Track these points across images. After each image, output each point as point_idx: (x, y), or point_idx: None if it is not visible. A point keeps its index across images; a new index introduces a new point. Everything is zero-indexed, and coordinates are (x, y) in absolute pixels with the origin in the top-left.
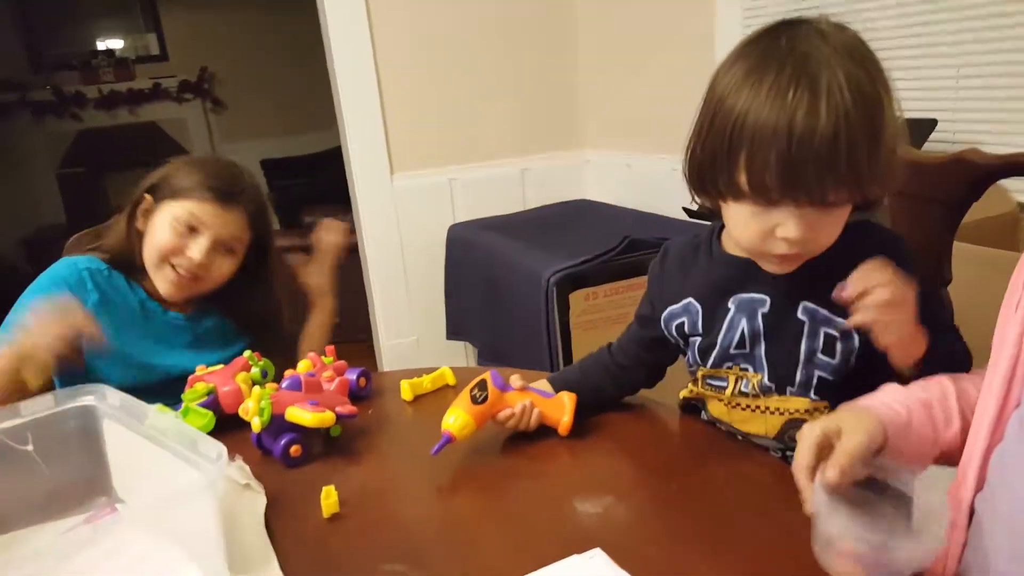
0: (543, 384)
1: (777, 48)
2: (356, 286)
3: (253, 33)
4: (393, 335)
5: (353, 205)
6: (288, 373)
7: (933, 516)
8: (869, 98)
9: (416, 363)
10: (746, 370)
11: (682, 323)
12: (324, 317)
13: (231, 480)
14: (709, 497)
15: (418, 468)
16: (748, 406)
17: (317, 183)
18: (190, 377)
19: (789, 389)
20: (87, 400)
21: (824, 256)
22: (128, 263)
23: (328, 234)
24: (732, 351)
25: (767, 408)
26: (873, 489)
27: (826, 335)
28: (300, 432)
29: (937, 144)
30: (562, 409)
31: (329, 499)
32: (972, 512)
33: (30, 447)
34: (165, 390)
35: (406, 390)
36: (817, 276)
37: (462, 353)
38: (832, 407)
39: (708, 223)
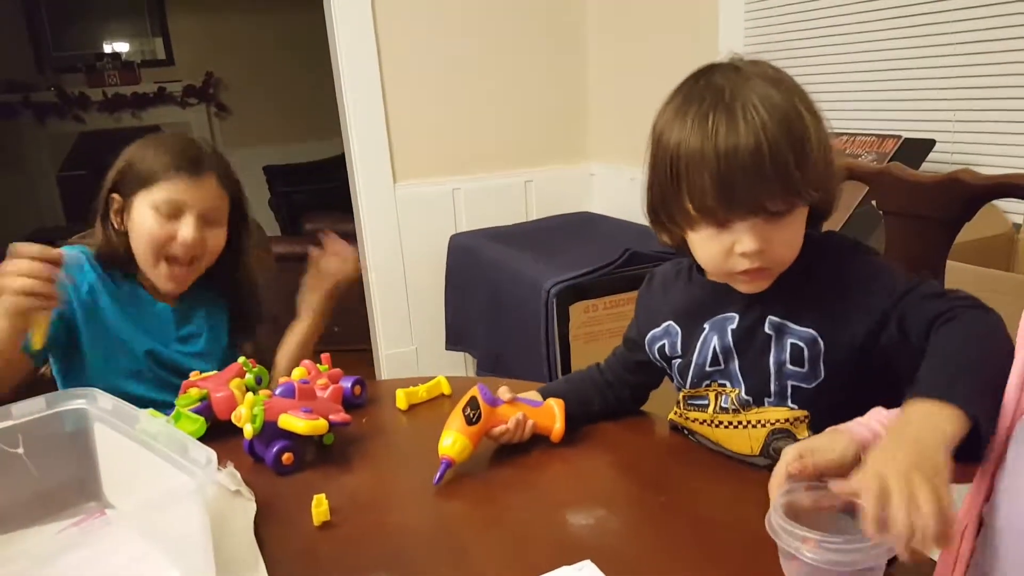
0: (531, 394)
1: (696, 86)
2: (356, 294)
3: (260, 39)
4: (393, 344)
5: (356, 213)
6: (282, 380)
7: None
8: (784, 111)
9: (415, 372)
10: (724, 386)
11: (663, 345)
12: (306, 334)
13: (221, 486)
14: (699, 510)
15: (410, 477)
16: (731, 423)
17: (320, 190)
18: (184, 383)
19: (767, 400)
20: (78, 403)
21: (787, 269)
22: (123, 264)
23: (332, 261)
24: (707, 368)
25: (748, 422)
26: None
27: (792, 345)
28: (292, 439)
29: (935, 164)
30: (553, 417)
31: (320, 507)
32: (982, 521)
33: (20, 450)
34: (156, 380)
35: (401, 399)
36: (781, 289)
37: (461, 363)
38: (813, 415)
39: None
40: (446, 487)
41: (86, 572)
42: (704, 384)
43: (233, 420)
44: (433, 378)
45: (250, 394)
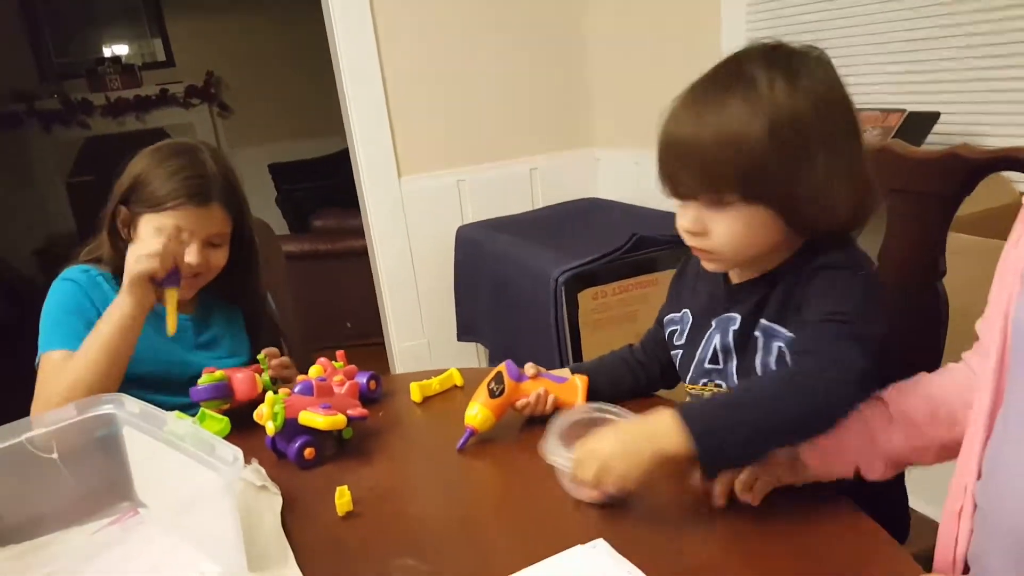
0: (561, 371)
1: (706, 74)
2: (367, 289)
3: (259, 37)
4: (405, 337)
5: (362, 208)
6: (300, 378)
7: None
8: (748, 117)
9: (428, 365)
10: (720, 386)
11: (675, 331)
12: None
13: (247, 482)
14: (708, 490)
15: (428, 467)
16: None
17: (326, 187)
18: (205, 368)
19: None
20: (107, 408)
21: (779, 274)
22: None
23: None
24: (707, 366)
25: None
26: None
27: (778, 348)
28: (313, 435)
29: (940, 137)
30: (575, 392)
31: (343, 498)
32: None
33: (55, 455)
34: (180, 388)
35: (415, 392)
36: (778, 292)
37: (474, 354)
38: None
39: None
40: (463, 475)
41: (126, 567)
42: (702, 382)
43: (255, 419)
44: (446, 370)
45: (270, 393)
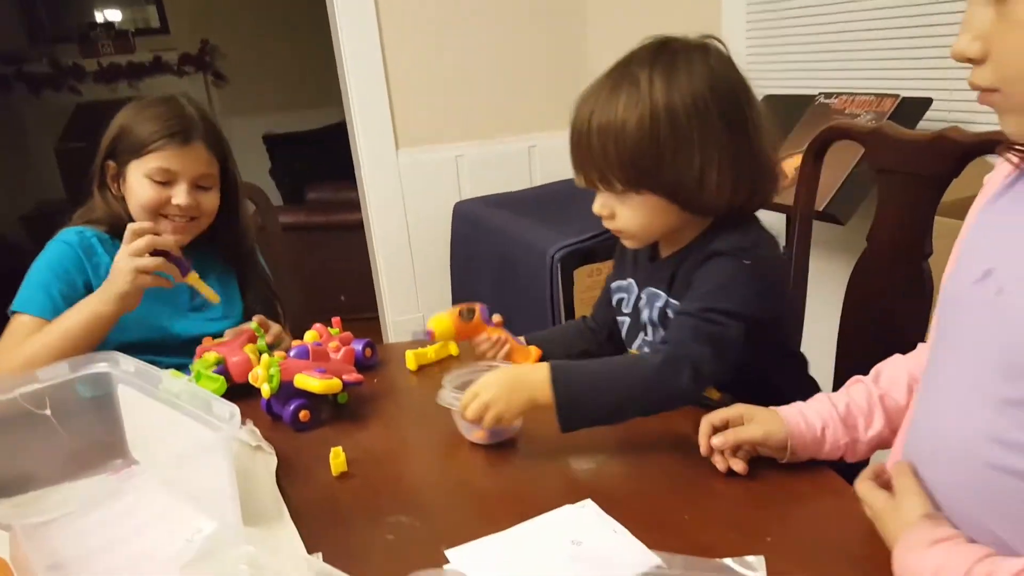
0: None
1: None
2: (362, 263)
3: (256, 6)
4: (399, 311)
5: (358, 181)
6: (295, 343)
7: None
8: (640, 111)
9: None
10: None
11: (622, 299)
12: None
13: (242, 443)
14: (691, 451)
15: (422, 431)
16: None
17: (322, 158)
18: (198, 348)
19: None
20: (101, 367)
21: (687, 252)
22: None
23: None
24: (645, 336)
25: None
26: None
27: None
28: (308, 398)
29: (933, 123)
30: (527, 356)
31: (337, 459)
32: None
33: (48, 411)
34: (175, 351)
35: (411, 360)
36: (686, 273)
37: None
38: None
39: None
40: (455, 440)
41: (122, 522)
42: (644, 351)
43: (250, 380)
44: (440, 342)
45: (266, 355)
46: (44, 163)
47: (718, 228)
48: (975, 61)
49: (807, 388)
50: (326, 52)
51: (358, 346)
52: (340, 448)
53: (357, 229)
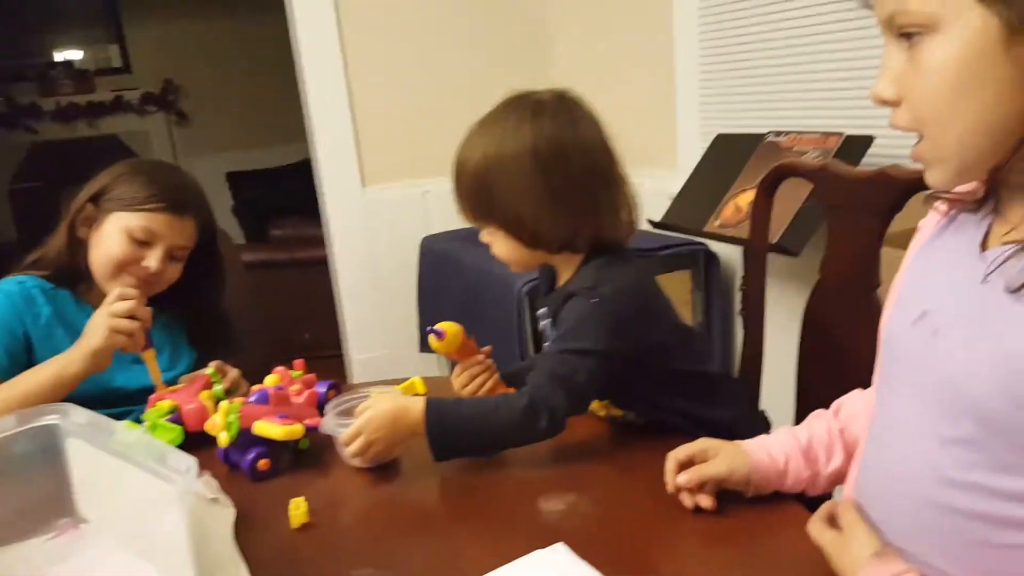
0: None
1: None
2: (326, 300)
3: (220, 45)
4: (364, 349)
5: (323, 217)
6: (255, 388)
7: None
8: (486, 154)
9: (388, 377)
10: None
11: (546, 326)
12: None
13: (198, 495)
14: (664, 491)
15: (388, 476)
16: None
17: (286, 195)
18: (151, 397)
19: None
20: (50, 419)
21: (561, 292)
22: (72, 275)
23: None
24: None
25: None
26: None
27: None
28: (268, 446)
29: (876, 159)
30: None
31: (298, 509)
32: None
33: None
34: (117, 404)
35: None
36: (558, 304)
37: (435, 366)
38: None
39: (672, 233)
40: (422, 484)
41: None
42: None
43: (207, 429)
44: (407, 379)
45: (224, 402)
46: None
47: (586, 265)
48: (891, 103)
49: (726, 402)
50: (291, 89)
51: (321, 388)
52: (302, 498)
53: (321, 265)
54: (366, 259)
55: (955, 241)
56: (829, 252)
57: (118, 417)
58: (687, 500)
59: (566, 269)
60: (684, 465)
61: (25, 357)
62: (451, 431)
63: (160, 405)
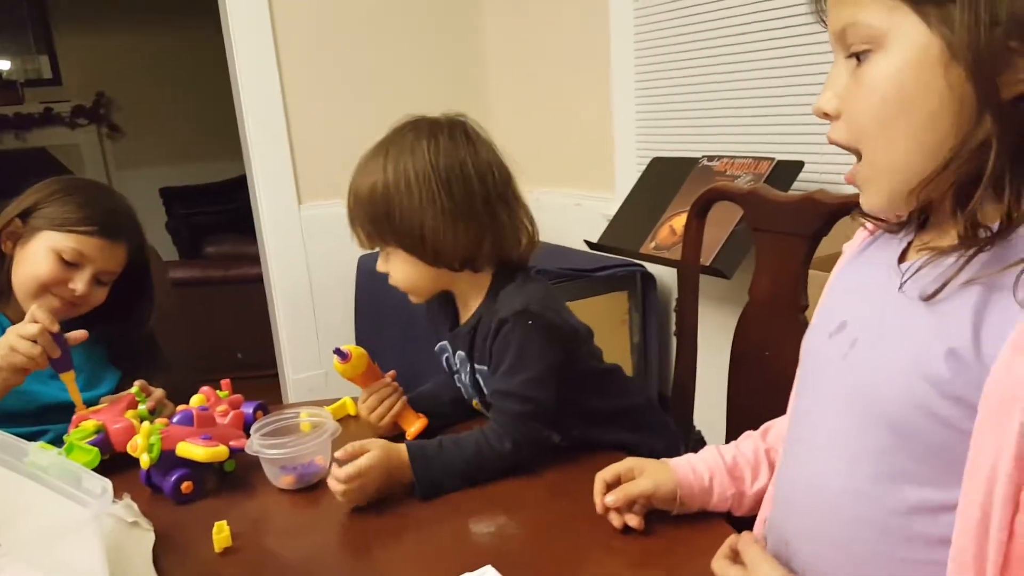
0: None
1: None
2: (261, 319)
3: (155, 58)
4: (301, 368)
5: (258, 234)
6: (179, 408)
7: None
8: (385, 179)
9: (325, 396)
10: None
11: (447, 358)
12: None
13: (118, 519)
14: (594, 512)
15: (315, 498)
16: None
17: (222, 212)
18: (75, 416)
19: None
20: None
21: (479, 317)
22: None
23: None
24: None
25: None
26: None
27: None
28: (192, 467)
29: (806, 184)
30: (412, 423)
31: (221, 533)
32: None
33: None
34: (34, 419)
35: (306, 424)
36: (476, 339)
37: None
38: None
39: (609, 255)
40: (349, 507)
41: None
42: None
43: (129, 451)
44: (339, 399)
45: (146, 423)
46: None
47: (497, 289)
48: (831, 117)
49: (631, 393)
50: (226, 105)
51: (248, 409)
52: (224, 522)
53: (256, 283)
54: (302, 277)
55: (877, 257)
56: (758, 275)
57: (45, 433)
58: (616, 520)
59: (473, 293)
60: (612, 485)
61: None
62: (440, 480)
63: (84, 425)
